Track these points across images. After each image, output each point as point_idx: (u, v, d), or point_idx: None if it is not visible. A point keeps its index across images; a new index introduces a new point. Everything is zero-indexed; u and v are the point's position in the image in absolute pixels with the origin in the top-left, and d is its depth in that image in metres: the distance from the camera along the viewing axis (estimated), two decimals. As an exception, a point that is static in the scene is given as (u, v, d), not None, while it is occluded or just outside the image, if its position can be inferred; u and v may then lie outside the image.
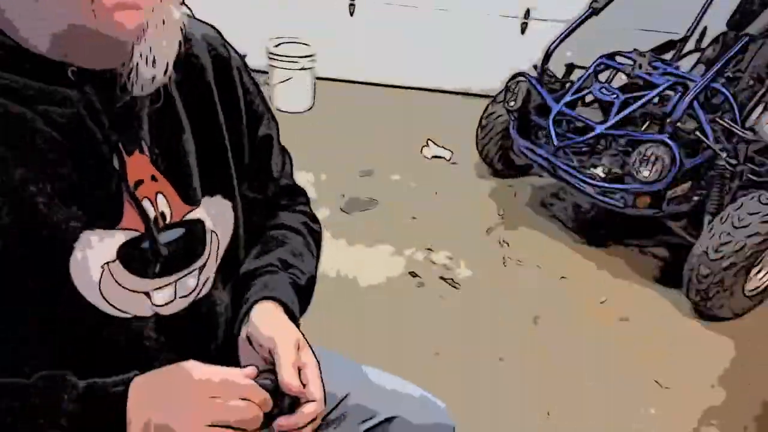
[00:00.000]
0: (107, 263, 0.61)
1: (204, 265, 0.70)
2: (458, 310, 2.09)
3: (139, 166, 0.63)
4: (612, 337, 2.05)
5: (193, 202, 0.67)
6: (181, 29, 0.61)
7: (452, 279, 2.21)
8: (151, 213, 0.63)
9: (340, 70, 3.72)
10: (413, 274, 2.23)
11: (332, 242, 2.31)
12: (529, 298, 2.17)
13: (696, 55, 2.80)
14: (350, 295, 2.10)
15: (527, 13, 3.66)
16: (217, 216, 0.71)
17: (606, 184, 2.25)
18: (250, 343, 0.70)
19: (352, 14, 3.69)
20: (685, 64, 2.73)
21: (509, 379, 1.83)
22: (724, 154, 2.15)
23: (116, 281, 0.62)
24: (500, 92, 2.74)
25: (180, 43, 0.61)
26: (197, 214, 0.68)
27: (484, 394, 1.75)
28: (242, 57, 0.77)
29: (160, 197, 0.65)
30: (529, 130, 2.56)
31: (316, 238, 0.88)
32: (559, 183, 2.49)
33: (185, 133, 0.67)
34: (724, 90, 2.31)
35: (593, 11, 2.61)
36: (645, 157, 2.11)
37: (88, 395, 0.58)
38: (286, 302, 0.74)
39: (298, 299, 0.76)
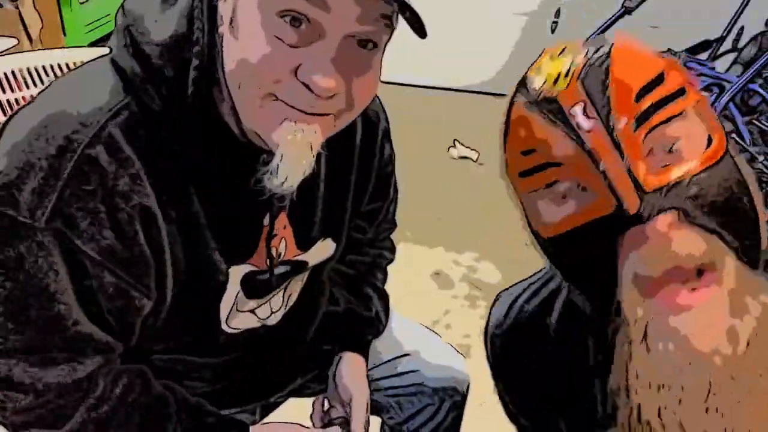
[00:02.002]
0: (237, 293, 0.73)
1: (291, 293, 0.84)
2: (483, 312, 2.07)
3: (279, 221, 0.73)
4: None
5: (306, 248, 0.78)
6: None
7: (478, 280, 2.19)
8: (273, 252, 0.74)
9: (367, 69, 3.73)
10: (437, 274, 2.22)
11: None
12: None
13: (732, 56, 2.73)
14: (374, 295, 2.10)
15: (558, 12, 3.61)
16: (321, 253, 0.81)
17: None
18: (334, 379, 0.89)
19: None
20: (721, 65, 2.66)
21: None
22: (761, 158, 2.09)
23: (236, 305, 0.74)
24: (529, 92, 2.71)
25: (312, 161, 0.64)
26: (305, 256, 0.79)
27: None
28: (387, 123, 0.88)
29: (282, 242, 0.75)
30: (558, 131, 2.52)
31: (390, 260, 1.09)
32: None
33: (319, 190, 0.75)
34: (761, 91, 2.25)
35: (626, 10, 2.56)
36: (678, 160, 2.07)
37: None
38: (364, 347, 0.92)
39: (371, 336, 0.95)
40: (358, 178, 0.81)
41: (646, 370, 0.51)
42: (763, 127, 2.17)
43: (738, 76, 2.25)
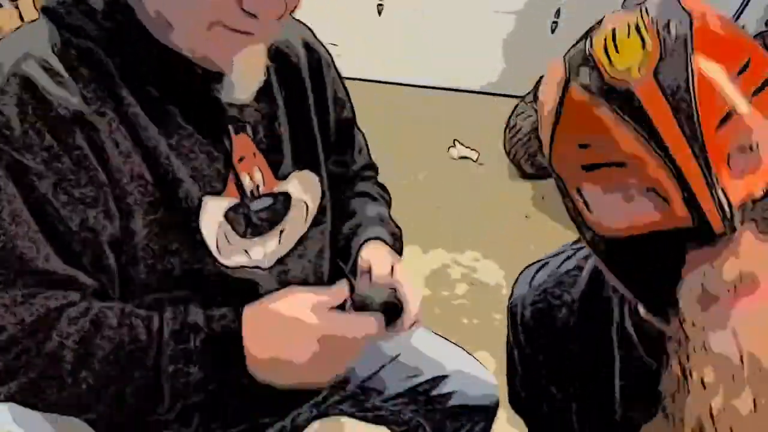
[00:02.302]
0: (220, 223, 0.73)
1: (284, 230, 0.81)
2: (483, 313, 2.07)
3: (243, 144, 0.74)
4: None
5: (283, 177, 0.79)
6: (269, 48, 0.73)
7: (478, 280, 2.19)
8: (249, 185, 0.75)
9: (367, 69, 3.72)
10: (437, 275, 2.22)
11: (357, 242, 2.31)
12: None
13: (732, 55, 2.73)
14: (375, 295, 2.10)
15: (558, 12, 3.61)
16: (306, 186, 0.82)
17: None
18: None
19: (380, 14, 3.69)
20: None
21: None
22: (761, 157, 2.09)
23: (227, 239, 0.74)
24: (529, 92, 2.71)
25: (266, 66, 0.73)
26: (285, 187, 0.79)
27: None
28: (329, 51, 0.91)
29: (257, 171, 0.76)
30: (558, 131, 2.52)
31: (389, 203, 1.04)
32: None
33: (280, 118, 0.79)
34: (761, 91, 2.25)
35: (626, 10, 2.56)
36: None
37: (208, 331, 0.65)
38: (388, 242, 0.89)
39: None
40: (317, 106, 0.84)
41: (701, 374, 0.47)
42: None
43: (738, 76, 2.25)
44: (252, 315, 0.66)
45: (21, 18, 2.50)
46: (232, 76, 0.70)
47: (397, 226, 0.98)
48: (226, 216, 0.73)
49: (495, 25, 3.65)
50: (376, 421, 1.04)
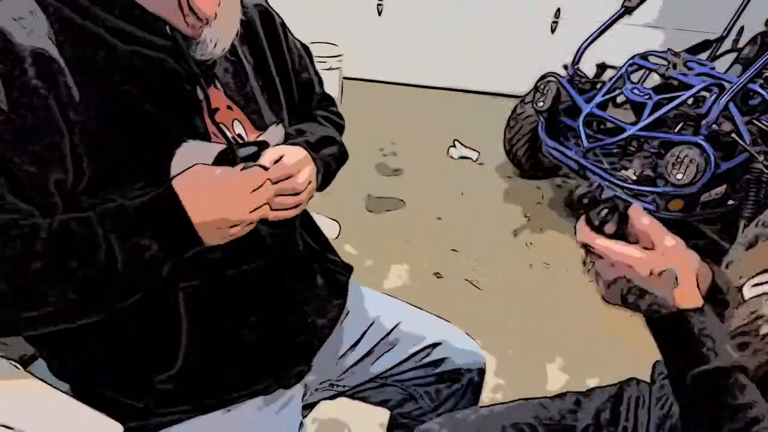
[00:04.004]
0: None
1: None
2: (482, 312, 2.07)
3: (215, 97, 0.78)
4: (644, 341, 2.00)
5: (262, 128, 0.84)
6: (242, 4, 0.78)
7: (477, 281, 2.19)
8: (229, 134, 0.78)
9: (367, 69, 3.73)
10: (438, 275, 2.22)
11: (357, 242, 2.31)
12: (555, 301, 2.14)
13: (732, 56, 2.73)
14: (374, 295, 2.10)
15: (558, 12, 3.61)
16: (275, 134, 0.87)
17: (637, 187, 2.20)
18: None
19: (380, 14, 3.69)
20: (721, 65, 2.66)
21: (541, 384, 1.81)
22: (761, 157, 2.09)
23: None
24: (529, 92, 2.71)
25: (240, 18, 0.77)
26: (265, 137, 0.84)
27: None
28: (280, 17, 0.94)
29: (237, 124, 0.80)
30: (558, 131, 2.52)
31: (339, 124, 1.06)
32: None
33: (249, 74, 0.83)
34: (761, 91, 2.25)
35: (626, 10, 2.56)
36: (678, 160, 2.07)
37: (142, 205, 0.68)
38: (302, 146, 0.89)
39: (314, 150, 0.90)
40: (277, 67, 0.90)
41: None
42: (763, 127, 2.17)
43: (738, 76, 2.25)
44: (180, 182, 0.69)
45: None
46: (209, 33, 0.72)
47: (331, 140, 1.00)
48: (216, 161, 0.76)
49: (495, 25, 3.65)
50: (376, 396, 1.07)
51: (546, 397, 0.94)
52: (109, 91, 0.68)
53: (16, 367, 0.77)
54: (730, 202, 2.21)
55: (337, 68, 3.29)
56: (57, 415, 0.72)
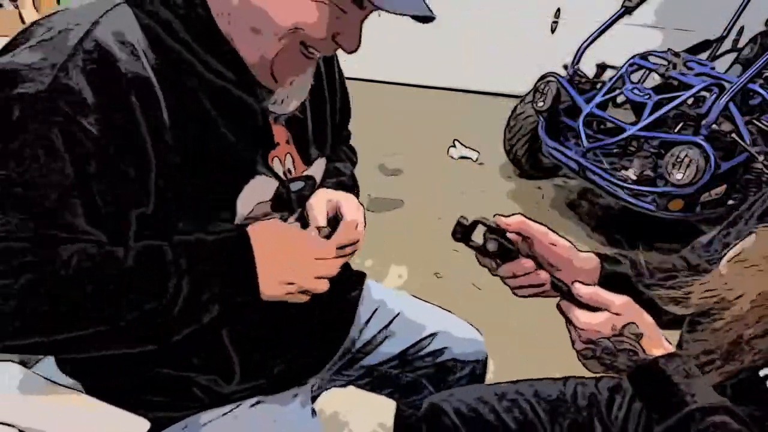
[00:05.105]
0: (260, 203, 0.77)
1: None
2: (482, 312, 2.07)
3: (278, 132, 0.80)
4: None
5: (309, 163, 0.85)
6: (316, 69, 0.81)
7: (478, 280, 2.19)
8: (279, 168, 0.80)
9: (366, 69, 3.73)
10: (438, 275, 2.22)
11: (357, 242, 2.31)
12: (555, 301, 2.13)
13: (732, 56, 2.73)
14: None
15: (558, 12, 3.61)
16: (319, 167, 0.89)
17: (637, 187, 2.20)
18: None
19: (379, 14, 3.70)
20: (721, 65, 2.67)
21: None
22: (761, 157, 2.09)
23: (254, 217, 0.77)
24: (529, 92, 2.71)
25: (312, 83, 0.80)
26: (310, 171, 0.85)
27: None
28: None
29: (288, 158, 0.82)
30: (558, 131, 2.52)
31: (354, 162, 1.11)
32: (586, 184, 2.45)
33: (307, 113, 0.85)
34: (761, 91, 2.25)
35: (626, 10, 2.56)
36: (678, 160, 2.07)
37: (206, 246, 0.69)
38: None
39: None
40: (330, 91, 0.91)
41: None
42: (763, 127, 2.17)
43: (738, 76, 2.25)
44: (255, 232, 0.70)
45: (21, 18, 2.50)
46: (283, 93, 0.75)
47: (354, 178, 1.04)
48: (274, 197, 0.78)
49: (495, 24, 3.65)
50: (379, 385, 1.08)
51: (549, 378, 0.99)
52: (197, 118, 0.69)
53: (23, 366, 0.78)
54: (730, 202, 2.21)
55: (337, 68, 3.29)
56: (80, 414, 0.73)
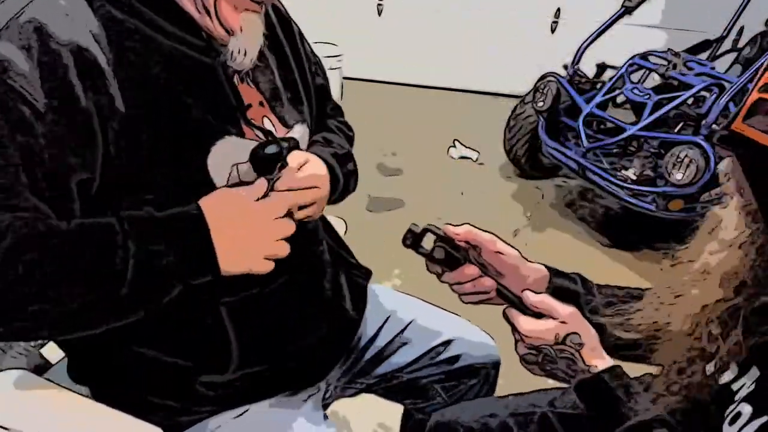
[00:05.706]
0: (237, 164, 0.75)
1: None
2: (483, 312, 2.07)
3: (248, 93, 0.79)
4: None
5: (288, 126, 0.85)
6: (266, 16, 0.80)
7: (478, 281, 2.19)
8: (260, 131, 0.79)
9: (367, 70, 3.73)
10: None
11: (356, 242, 2.31)
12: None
13: (732, 56, 2.73)
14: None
15: (558, 12, 3.61)
16: (300, 132, 0.88)
17: (637, 187, 2.20)
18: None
19: (380, 14, 3.69)
20: (721, 65, 2.67)
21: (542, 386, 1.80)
22: (761, 157, 2.09)
23: (240, 179, 0.76)
24: (529, 92, 2.71)
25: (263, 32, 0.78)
26: (293, 134, 0.85)
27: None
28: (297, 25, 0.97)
29: (266, 121, 0.81)
30: (558, 131, 2.52)
31: (350, 136, 1.08)
32: (586, 185, 2.45)
33: (275, 71, 0.85)
34: (761, 91, 2.25)
35: (626, 10, 2.56)
36: (678, 160, 2.07)
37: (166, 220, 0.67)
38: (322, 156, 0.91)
39: (339, 164, 0.92)
40: (299, 70, 0.91)
41: None
42: (763, 127, 2.18)
43: (738, 76, 2.25)
44: (209, 204, 0.69)
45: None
46: (237, 43, 0.74)
47: (351, 156, 1.02)
48: (251, 157, 0.76)
49: (495, 24, 3.65)
50: (392, 392, 1.07)
51: (555, 388, 0.98)
52: (150, 84, 0.68)
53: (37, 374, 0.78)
54: (730, 202, 2.21)
55: (337, 68, 3.30)
56: (94, 423, 0.73)
